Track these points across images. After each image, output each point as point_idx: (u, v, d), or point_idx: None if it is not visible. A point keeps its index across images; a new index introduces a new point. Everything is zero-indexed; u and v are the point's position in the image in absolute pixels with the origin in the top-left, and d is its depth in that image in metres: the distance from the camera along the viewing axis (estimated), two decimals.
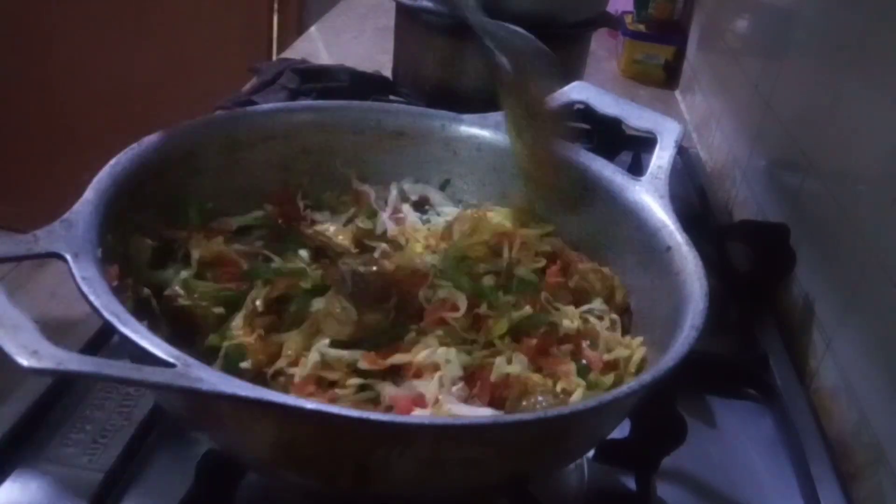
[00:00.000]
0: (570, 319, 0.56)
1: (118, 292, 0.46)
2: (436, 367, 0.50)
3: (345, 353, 0.50)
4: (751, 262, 0.82)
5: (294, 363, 0.50)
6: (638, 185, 0.63)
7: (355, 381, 0.49)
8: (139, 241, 0.55)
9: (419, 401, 0.48)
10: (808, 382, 0.70)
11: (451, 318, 0.54)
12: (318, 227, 0.63)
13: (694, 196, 1.01)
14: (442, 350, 0.50)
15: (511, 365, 0.51)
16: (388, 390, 0.49)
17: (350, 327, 0.52)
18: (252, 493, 0.51)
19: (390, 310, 0.54)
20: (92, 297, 0.42)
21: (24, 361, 0.35)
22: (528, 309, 0.56)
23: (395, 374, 0.50)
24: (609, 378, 0.53)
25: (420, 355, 0.51)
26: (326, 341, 0.51)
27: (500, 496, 0.48)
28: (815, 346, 0.71)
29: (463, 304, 0.55)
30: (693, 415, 0.61)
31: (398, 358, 0.51)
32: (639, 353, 0.54)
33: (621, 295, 0.60)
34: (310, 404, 0.39)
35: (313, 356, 0.50)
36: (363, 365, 0.50)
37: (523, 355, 0.52)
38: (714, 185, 1.07)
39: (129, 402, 0.59)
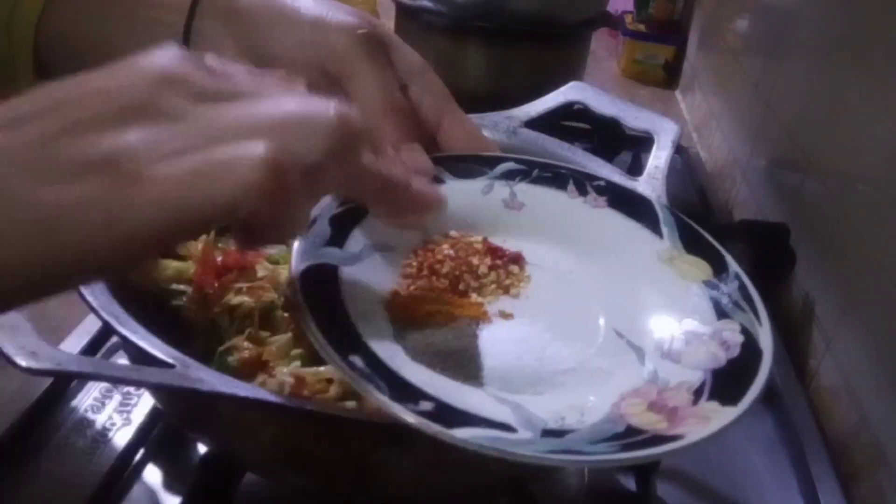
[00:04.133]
0: None
1: (117, 293, 0.46)
2: None
3: (319, 370, 0.49)
4: (751, 262, 0.82)
5: (273, 375, 0.50)
6: (635, 185, 0.63)
7: (337, 388, 0.48)
8: None
9: None
10: (808, 382, 0.70)
11: None
12: None
13: (694, 196, 1.01)
14: None
15: None
16: None
17: None
18: (252, 493, 0.51)
19: None
20: (90, 298, 0.42)
21: (22, 362, 0.35)
22: None
23: None
24: None
25: None
26: (297, 362, 0.50)
27: (500, 496, 0.48)
28: (815, 345, 0.71)
29: None
30: None
31: None
32: None
33: None
34: (309, 405, 0.39)
35: (287, 381, 0.48)
36: (339, 377, 0.48)
37: None
38: (714, 185, 1.07)
39: (129, 402, 0.59)
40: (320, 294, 0.35)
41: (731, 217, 0.99)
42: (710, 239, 0.42)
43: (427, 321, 0.37)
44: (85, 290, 0.42)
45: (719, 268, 0.40)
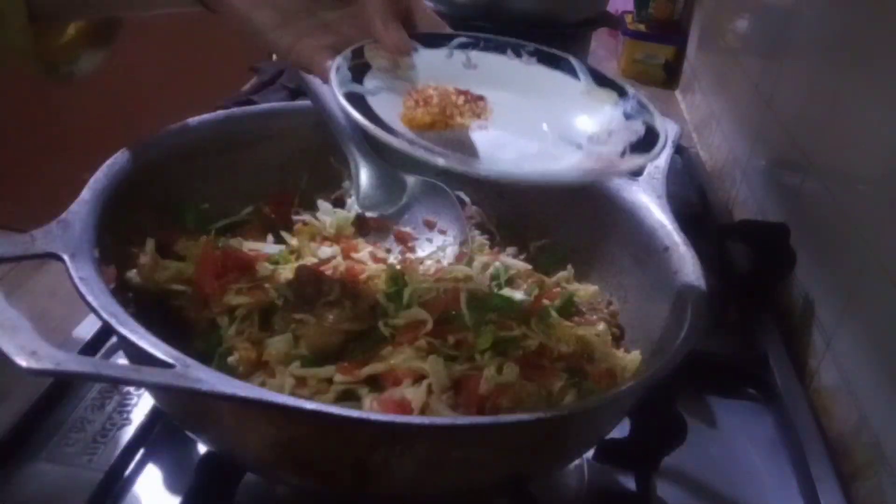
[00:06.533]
0: (566, 343, 0.55)
1: (117, 293, 0.46)
2: (415, 374, 0.49)
3: (319, 370, 0.49)
4: (751, 262, 0.82)
5: (272, 375, 0.50)
6: (635, 185, 0.64)
7: (337, 387, 0.48)
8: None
9: (405, 406, 0.47)
10: (808, 382, 0.70)
11: (423, 335, 0.52)
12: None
13: (694, 196, 1.01)
14: (432, 357, 0.49)
15: (502, 374, 0.49)
16: (370, 397, 0.48)
17: (328, 337, 0.51)
18: (252, 493, 0.51)
19: (363, 313, 0.53)
20: (90, 298, 0.42)
21: (22, 362, 0.35)
22: (517, 330, 0.54)
23: (373, 385, 0.49)
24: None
25: (398, 358, 0.49)
26: (297, 363, 0.50)
27: (500, 496, 0.48)
28: (815, 345, 0.71)
29: (429, 320, 0.53)
30: (693, 415, 0.61)
31: (375, 367, 0.49)
32: (633, 364, 0.54)
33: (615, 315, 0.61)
34: (309, 405, 0.39)
35: (288, 381, 0.48)
36: (339, 378, 0.49)
37: (514, 364, 0.50)
38: (714, 185, 1.07)
39: (129, 402, 0.59)
40: (358, 106, 0.47)
41: (731, 217, 0.99)
42: (613, 77, 0.57)
43: (431, 126, 0.50)
44: (84, 290, 0.43)
45: (622, 93, 0.54)
